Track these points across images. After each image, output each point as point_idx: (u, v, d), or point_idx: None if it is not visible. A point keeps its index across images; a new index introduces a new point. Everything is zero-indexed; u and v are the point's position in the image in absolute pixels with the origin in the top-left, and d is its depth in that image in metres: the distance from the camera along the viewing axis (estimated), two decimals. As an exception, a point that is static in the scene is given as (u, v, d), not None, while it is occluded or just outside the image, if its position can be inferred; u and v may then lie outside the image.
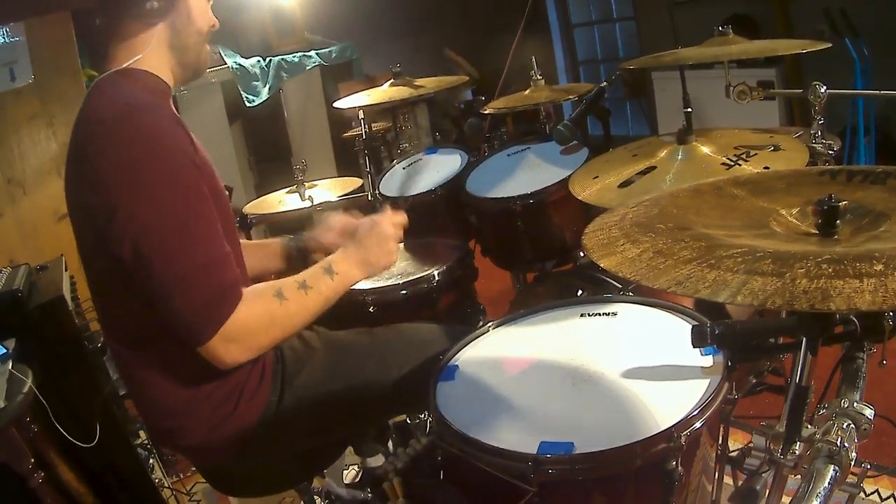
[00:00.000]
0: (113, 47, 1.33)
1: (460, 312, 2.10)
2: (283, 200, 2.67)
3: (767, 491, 1.17)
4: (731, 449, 1.33)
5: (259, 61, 4.67)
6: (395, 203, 2.28)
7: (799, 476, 0.98)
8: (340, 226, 1.72)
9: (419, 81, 2.66)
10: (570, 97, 2.55)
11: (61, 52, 3.26)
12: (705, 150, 1.62)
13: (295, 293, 1.33)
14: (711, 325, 1.10)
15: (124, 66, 1.31)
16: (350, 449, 1.82)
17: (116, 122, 1.20)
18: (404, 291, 1.97)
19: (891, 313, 0.95)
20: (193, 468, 1.83)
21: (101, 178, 1.18)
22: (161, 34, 1.34)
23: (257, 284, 1.31)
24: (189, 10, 1.36)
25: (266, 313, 1.28)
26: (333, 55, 5.08)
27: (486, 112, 2.61)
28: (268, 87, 4.68)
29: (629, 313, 1.47)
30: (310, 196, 2.57)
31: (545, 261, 2.23)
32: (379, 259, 1.48)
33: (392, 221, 1.54)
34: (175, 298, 1.19)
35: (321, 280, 1.38)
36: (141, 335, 1.34)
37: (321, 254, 1.76)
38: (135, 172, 1.18)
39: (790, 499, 0.92)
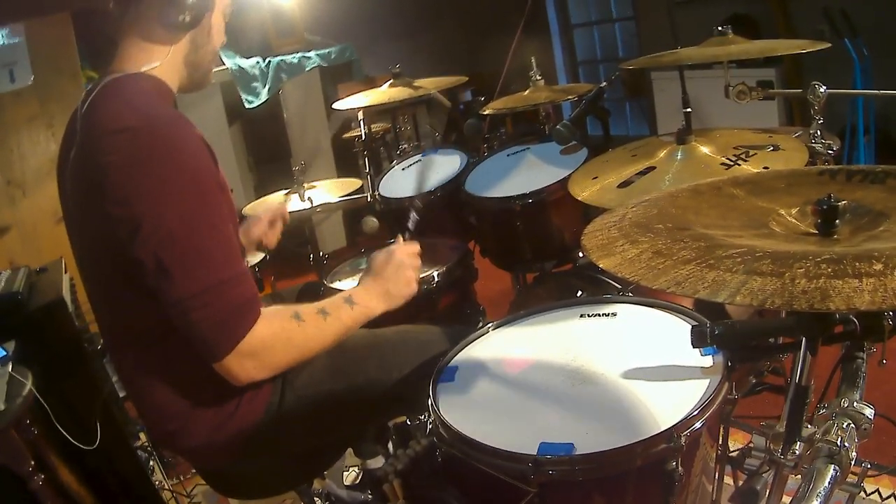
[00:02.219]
0: (126, 48, 1.32)
1: (460, 313, 2.10)
2: (282, 201, 2.67)
3: (768, 491, 1.17)
4: (731, 449, 1.33)
5: (258, 62, 4.67)
6: (399, 203, 2.28)
7: (799, 476, 0.98)
8: (267, 216, 1.87)
9: (418, 82, 2.66)
10: (570, 97, 2.55)
11: (61, 54, 3.26)
12: (705, 150, 1.62)
13: (313, 317, 1.33)
14: (711, 326, 1.10)
15: (140, 70, 1.31)
16: (350, 450, 1.82)
17: (143, 132, 1.19)
18: (404, 292, 1.96)
19: (890, 313, 0.95)
20: (194, 470, 1.83)
21: (126, 189, 1.17)
22: (180, 46, 1.34)
23: (275, 305, 1.32)
24: (210, 27, 1.37)
25: (283, 332, 1.28)
26: (333, 56, 5.08)
27: (486, 112, 2.60)
28: (267, 88, 4.68)
29: (629, 314, 1.47)
30: (309, 197, 2.56)
31: (545, 261, 2.23)
32: (399, 290, 1.50)
33: (406, 252, 1.56)
34: (194, 313, 1.19)
35: (341, 308, 1.39)
36: (146, 339, 1.34)
37: (252, 249, 1.89)
38: (163, 186, 1.17)
39: (790, 499, 0.92)
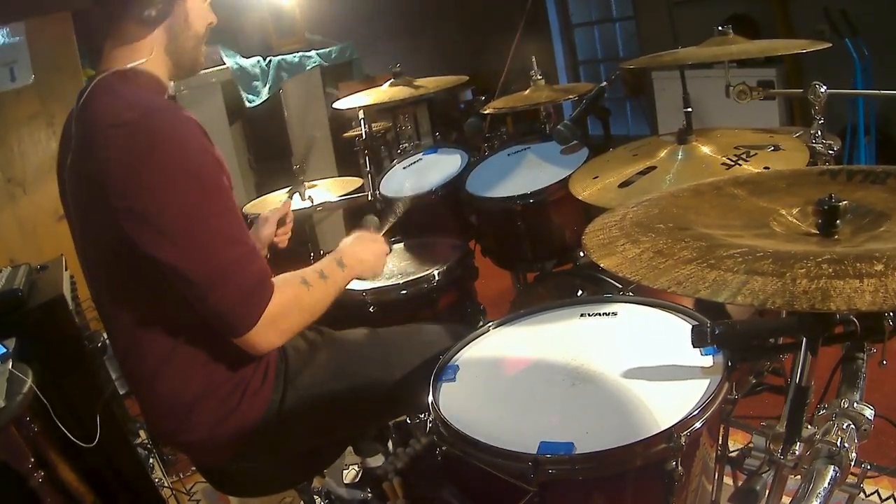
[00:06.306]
0: (110, 48, 1.33)
1: (460, 312, 2.10)
2: (283, 200, 2.66)
3: (767, 491, 1.17)
4: (731, 449, 1.33)
5: (259, 61, 4.67)
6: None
7: (799, 476, 0.98)
8: (275, 218, 1.89)
9: (419, 81, 2.65)
10: (570, 97, 2.55)
11: (61, 52, 3.26)
12: (705, 149, 1.62)
13: (317, 281, 1.40)
14: (711, 325, 1.10)
15: (126, 67, 1.31)
16: (350, 449, 1.82)
17: (137, 125, 1.19)
18: (404, 291, 1.97)
19: (891, 313, 0.95)
20: (193, 468, 1.84)
21: (129, 183, 1.18)
22: (158, 38, 1.34)
23: (283, 274, 1.36)
24: (186, 13, 1.36)
25: (296, 298, 1.34)
26: (333, 55, 5.08)
27: (486, 112, 2.60)
28: (268, 87, 4.68)
29: (629, 313, 1.47)
30: (310, 196, 2.56)
31: (545, 260, 2.23)
32: (373, 265, 1.61)
33: (384, 249, 1.67)
34: (214, 293, 1.22)
35: (336, 271, 1.46)
36: (150, 333, 1.34)
37: (262, 250, 1.85)
38: (166, 175, 1.19)
39: (790, 499, 0.92)
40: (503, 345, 1.47)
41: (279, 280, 1.32)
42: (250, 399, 1.41)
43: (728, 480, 1.41)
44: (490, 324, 1.54)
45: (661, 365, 1.26)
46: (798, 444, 0.99)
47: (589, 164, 1.86)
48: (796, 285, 0.79)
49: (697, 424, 1.09)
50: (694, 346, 1.13)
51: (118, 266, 1.27)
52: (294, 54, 4.84)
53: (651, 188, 1.54)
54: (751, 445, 1.18)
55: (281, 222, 1.92)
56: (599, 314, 1.49)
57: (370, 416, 1.66)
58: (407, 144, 2.93)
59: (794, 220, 1.04)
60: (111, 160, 1.19)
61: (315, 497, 1.84)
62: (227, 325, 1.25)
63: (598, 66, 6.57)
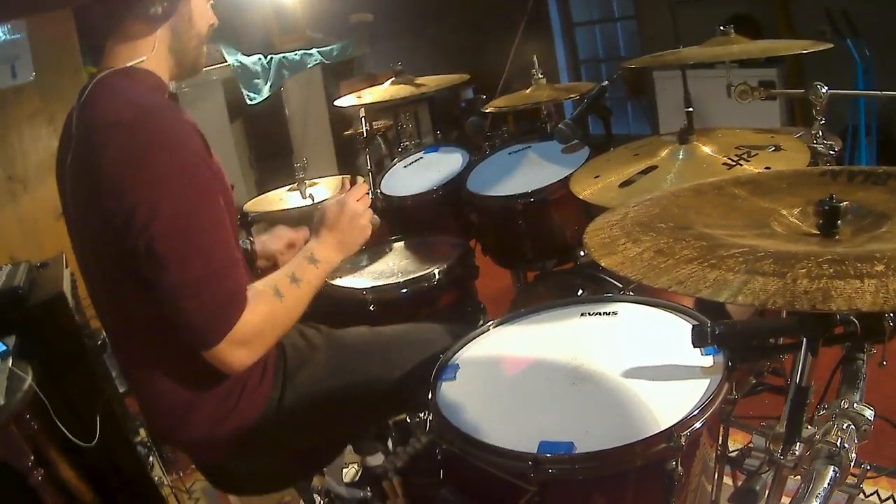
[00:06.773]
0: (112, 45, 1.32)
1: (460, 311, 2.10)
2: (283, 198, 2.67)
3: (767, 491, 1.17)
4: (730, 449, 1.33)
5: (260, 59, 4.67)
6: (401, 201, 2.29)
7: (799, 477, 0.98)
8: (288, 238, 1.83)
9: (420, 80, 2.65)
10: (572, 96, 2.55)
11: (62, 50, 3.26)
12: (706, 149, 1.62)
13: (289, 289, 1.35)
14: (712, 325, 1.10)
15: (127, 65, 1.31)
16: (350, 447, 1.82)
17: (137, 125, 1.19)
18: (405, 290, 1.96)
19: (891, 314, 0.95)
20: (193, 466, 1.84)
21: (122, 181, 1.18)
22: (161, 36, 1.34)
23: (255, 284, 1.32)
24: (190, 12, 1.36)
25: (269, 314, 1.29)
26: (335, 53, 5.08)
27: (488, 111, 2.60)
28: (269, 85, 4.68)
29: (630, 313, 1.47)
30: (310, 194, 2.56)
31: (546, 260, 2.23)
32: (354, 238, 1.52)
33: (356, 197, 1.56)
34: (185, 302, 1.19)
35: (308, 270, 1.41)
36: (148, 331, 1.34)
37: (263, 261, 1.82)
38: (157, 176, 1.18)
39: (790, 499, 0.92)
40: (503, 344, 1.47)
41: (252, 294, 1.28)
42: (249, 396, 1.41)
43: (728, 480, 1.41)
44: (490, 323, 1.54)
45: (661, 364, 1.26)
46: (798, 444, 0.99)
47: (590, 164, 1.86)
48: (797, 285, 0.78)
49: (697, 424, 1.09)
50: (694, 346, 1.13)
51: (115, 264, 1.27)
52: (295, 52, 4.84)
53: (652, 187, 1.53)
54: (751, 445, 1.18)
55: (291, 246, 1.88)
56: (600, 313, 1.49)
57: (370, 415, 1.66)
58: (408, 143, 2.93)
59: (795, 221, 1.04)
60: (106, 158, 1.18)
61: (315, 496, 1.84)
62: (194, 338, 1.22)
63: (599, 66, 6.57)
